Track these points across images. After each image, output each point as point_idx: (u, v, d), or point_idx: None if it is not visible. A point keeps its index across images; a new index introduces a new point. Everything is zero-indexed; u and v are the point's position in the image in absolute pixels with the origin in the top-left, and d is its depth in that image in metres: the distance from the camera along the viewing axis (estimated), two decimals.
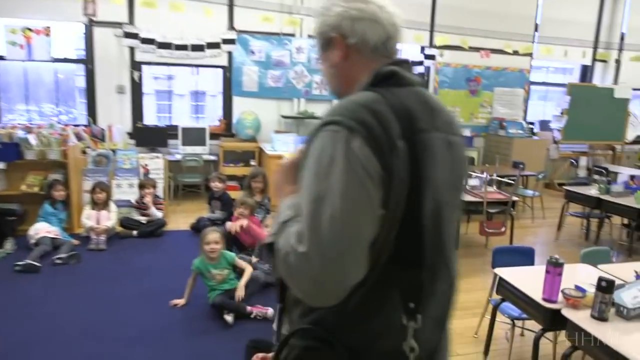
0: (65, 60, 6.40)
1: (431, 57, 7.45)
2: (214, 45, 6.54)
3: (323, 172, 0.83)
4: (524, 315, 2.61)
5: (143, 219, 4.92)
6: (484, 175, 4.89)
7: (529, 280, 2.42)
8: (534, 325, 2.87)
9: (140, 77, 6.43)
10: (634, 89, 8.27)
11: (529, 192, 6.17)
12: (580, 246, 5.12)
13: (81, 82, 6.31)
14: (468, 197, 4.40)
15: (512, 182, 5.11)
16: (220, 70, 6.78)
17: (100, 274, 3.90)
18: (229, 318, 3.08)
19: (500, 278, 2.52)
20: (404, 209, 0.87)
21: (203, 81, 13.65)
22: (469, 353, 2.89)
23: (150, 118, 6.66)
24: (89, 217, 4.59)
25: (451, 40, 7.32)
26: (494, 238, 4.76)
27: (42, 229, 4.36)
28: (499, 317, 3.02)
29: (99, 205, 4.67)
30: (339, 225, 0.81)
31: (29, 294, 3.48)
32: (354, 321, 0.92)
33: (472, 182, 4.76)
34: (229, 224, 4.01)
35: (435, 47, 7.41)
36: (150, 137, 6.34)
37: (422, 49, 7.44)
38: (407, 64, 1.01)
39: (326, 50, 1.06)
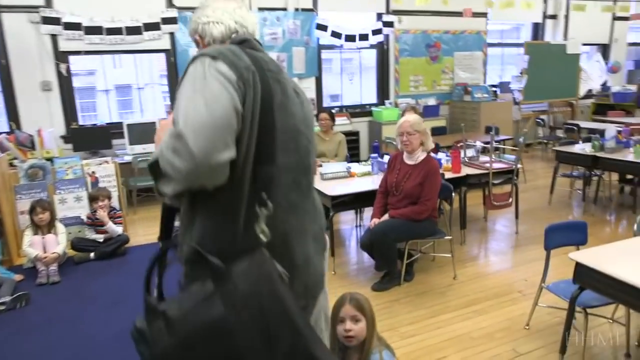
0: None
1: (389, 24, 6.99)
2: (152, 27, 5.68)
3: (195, 84, 1.05)
4: (592, 302, 2.26)
5: (100, 237, 4.13)
6: (477, 143, 4.54)
7: (614, 262, 2.05)
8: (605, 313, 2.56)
9: (68, 70, 5.47)
10: (583, 44, 8.33)
11: (510, 157, 5.94)
12: (579, 207, 4.97)
13: None
14: (468, 170, 4.02)
15: (517, 148, 4.82)
16: (162, 56, 5.94)
17: (58, 314, 3.13)
18: None
19: (578, 263, 2.13)
20: (262, 118, 1.10)
21: (127, 73, 12.42)
22: (532, 350, 2.51)
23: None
24: (32, 244, 3.74)
25: (408, 5, 6.88)
26: (493, 211, 4.46)
27: None
28: (543, 302, 2.69)
29: (43, 228, 3.84)
30: (207, 109, 1.00)
31: None
32: (213, 225, 1.09)
33: (468, 153, 4.40)
34: None
35: (393, 12, 6.96)
36: (90, 139, 5.44)
37: (380, 16, 6.97)
38: (256, 41, 1.29)
39: (198, 47, 1.35)
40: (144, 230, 4.71)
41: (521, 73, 7.71)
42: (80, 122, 5.69)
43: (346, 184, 3.84)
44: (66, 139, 5.45)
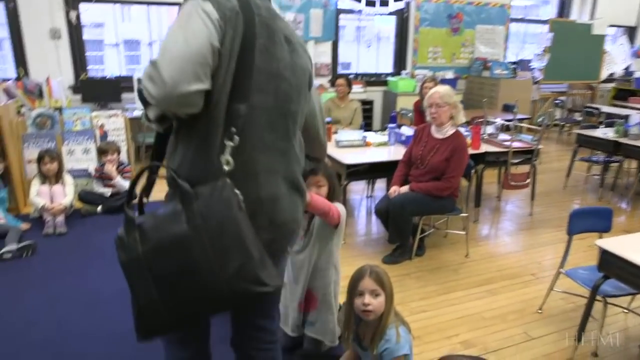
0: None
1: None
2: None
3: (181, 21, 1.11)
4: (614, 292, 2.20)
5: (107, 191, 4.07)
6: (498, 120, 4.41)
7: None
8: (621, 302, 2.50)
9: (78, 18, 5.29)
10: (609, 26, 8.04)
11: (527, 137, 5.81)
12: (594, 193, 4.88)
13: (3, 29, 5.08)
14: (487, 148, 3.91)
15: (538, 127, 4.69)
16: (167, 8, 5.74)
17: (63, 266, 3.10)
18: None
19: (604, 251, 2.05)
20: (240, 57, 1.17)
21: (140, 28, 12.11)
22: (544, 335, 2.46)
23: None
24: (39, 194, 3.69)
25: None
26: (507, 191, 4.37)
27: None
28: (558, 287, 2.63)
29: (50, 178, 3.77)
30: (184, 43, 1.07)
31: None
32: (188, 153, 1.21)
33: (488, 129, 4.28)
34: None
35: None
36: (99, 92, 5.31)
37: None
38: None
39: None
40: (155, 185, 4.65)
41: (543, 51, 7.47)
42: (89, 75, 5.54)
43: (361, 153, 3.74)
44: (75, 89, 5.32)
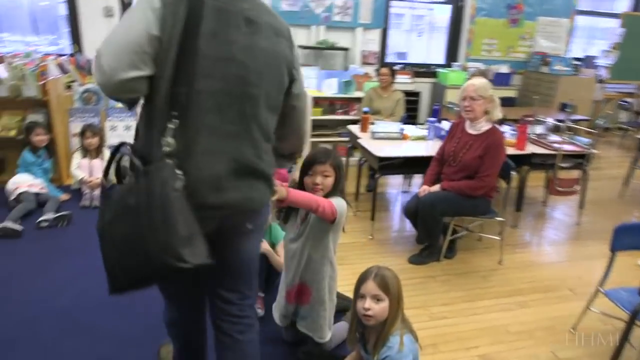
0: None
1: None
2: None
3: (127, 13, 1.22)
4: None
5: None
6: (549, 120, 4.11)
7: None
8: None
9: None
10: None
11: (583, 140, 5.41)
12: None
13: (63, 7, 5.28)
14: (534, 149, 3.65)
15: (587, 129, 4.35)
16: None
17: (95, 238, 3.18)
18: (258, 311, 2.42)
19: None
20: (183, 43, 1.20)
21: None
22: (574, 357, 2.27)
23: None
24: (79, 167, 3.82)
25: None
26: (555, 197, 4.07)
27: (23, 182, 3.60)
28: (596, 306, 2.40)
29: (91, 152, 3.89)
30: (123, 33, 1.17)
31: (8, 266, 2.80)
32: (143, 133, 1.32)
33: (537, 129, 4.00)
34: None
35: None
36: None
37: None
38: None
39: None
40: None
41: (612, 48, 6.91)
42: None
43: (397, 146, 3.60)
44: None
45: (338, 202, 1.87)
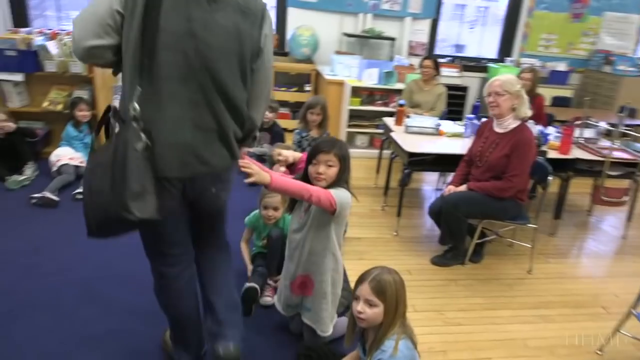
0: None
1: None
2: None
3: None
4: None
5: None
6: (601, 124, 3.82)
7: None
8: None
9: None
10: None
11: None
12: None
13: None
14: (579, 153, 3.41)
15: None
16: None
17: None
18: (268, 299, 2.42)
19: None
20: (145, 18, 1.34)
21: None
22: None
23: None
24: None
25: None
26: (603, 207, 3.79)
27: (64, 155, 3.77)
28: (628, 329, 2.22)
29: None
30: (90, 8, 1.36)
31: (42, 234, 2.94)
32: (121, 99, 1.48)
33: (586, 133, 3.73)
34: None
35: None
36: None
37: None
38: None
39: None
40: None
41: None
42: None
43: (431, 142, 3.47)
44: None
45: (339, 193, 1.81)
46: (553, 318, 2.54)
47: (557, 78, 6.21)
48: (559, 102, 6.18)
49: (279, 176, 1.74)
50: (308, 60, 5.57)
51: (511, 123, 2.78)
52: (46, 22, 6.05)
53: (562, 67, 6.41)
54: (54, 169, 3.71)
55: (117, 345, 2.06)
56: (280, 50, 5.81)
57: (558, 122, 4.54)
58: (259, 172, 1.63)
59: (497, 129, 2.83)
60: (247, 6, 1.49)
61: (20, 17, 5.30)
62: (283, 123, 4.71)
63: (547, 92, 5.63)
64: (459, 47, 6.57)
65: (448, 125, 3.77)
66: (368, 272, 1.60)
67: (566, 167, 3.38)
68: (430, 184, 4.55)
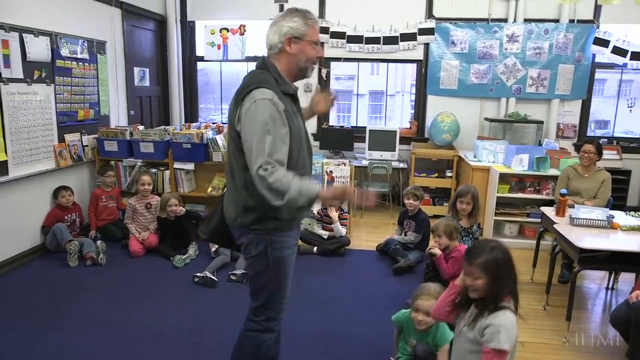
0: (257, 58, 6.28)
1: None
2: (408, 37, 5.72)
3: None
4: None
5: (325, 234, 4.36)
6: None
7: None
8: None
9: (328, 75, 5.97)
10: None
11: None
12: None
13: None
14: None
15: None
16: (411, 66, 5.95)
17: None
18: None
19: None
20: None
21: (381, 80, 13.02)
22: None
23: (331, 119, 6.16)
24: None
25: None
26: None
27: None
28: None
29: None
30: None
31: (200, 312, 3.13)
32: None
33: None
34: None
35: None
36: (335, 140, 5.84)
37: None
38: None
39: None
40: (366, 237, 4.78)
41: None
42: (337, 122, 6.12)
43: (603, 236, 3.09)
44: (315, 136, 5.97)
45: (502, 340, 1.65)
46: None
47: None
48: None
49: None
50: (449, 145, 5.52)
51: None
52: (208, 115, 6.96)
53: None
54: (213, 249, 4.02)
55: None
56: (420, 136, 5.86)
57: None
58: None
59: None
60: (239, 90, 1.82)
61: (190, 113, 6.18)
62: (425, 209, 4.62)
63: None
64: (604, 123, 6.02)
65: (622, 217, 3.34)
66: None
67: None
68: (594, 281, 3.99)
